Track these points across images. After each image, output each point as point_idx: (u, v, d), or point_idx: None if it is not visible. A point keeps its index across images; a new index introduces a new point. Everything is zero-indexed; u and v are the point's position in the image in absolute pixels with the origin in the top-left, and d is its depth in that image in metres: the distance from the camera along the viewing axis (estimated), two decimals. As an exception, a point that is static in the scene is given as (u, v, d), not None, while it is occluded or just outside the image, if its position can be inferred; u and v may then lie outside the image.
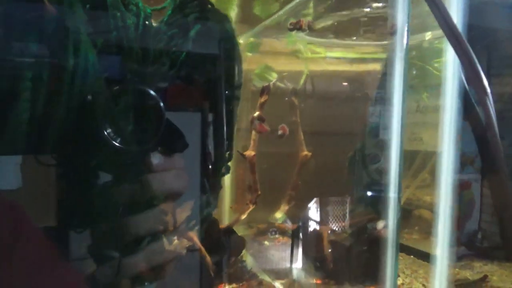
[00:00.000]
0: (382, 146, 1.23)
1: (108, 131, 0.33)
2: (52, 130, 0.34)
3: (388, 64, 1.42)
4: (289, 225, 1.44)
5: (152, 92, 0.35)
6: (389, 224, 0.89)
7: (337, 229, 1.37)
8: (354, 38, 1.61)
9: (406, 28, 0.92)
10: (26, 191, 0.39)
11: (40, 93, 0.34)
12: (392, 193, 0.91)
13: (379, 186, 1.22)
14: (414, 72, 1.69)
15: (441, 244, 0.92)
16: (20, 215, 0.36)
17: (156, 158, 0.35)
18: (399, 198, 0.90)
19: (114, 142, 0.33)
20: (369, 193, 1.31)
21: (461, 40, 0.51)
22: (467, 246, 1.48)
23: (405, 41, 0.93)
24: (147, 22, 0.43)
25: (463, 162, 1.45)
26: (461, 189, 1.48)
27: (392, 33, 0.93)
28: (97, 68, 0.37)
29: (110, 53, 0.39)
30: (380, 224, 1.15)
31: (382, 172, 1.21)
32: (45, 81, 0.34)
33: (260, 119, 1.26)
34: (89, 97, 0.34)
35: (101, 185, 0.36)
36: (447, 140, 0.94)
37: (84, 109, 0.34)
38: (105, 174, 0.36)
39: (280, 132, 1.33)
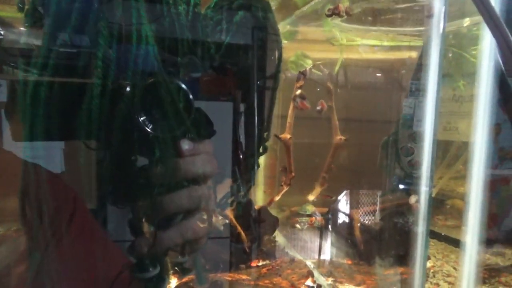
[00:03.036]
0: (416, 139, 1.24)
1: (142, 118, 0.37)
2: (99, 117, 0.38)
3: (423, 51, 1.41)
4: (318, 216, 1.48)
5: (182, 85, 0.38)
6: (420, 214, 0.92)
7: (367, 214, 1.40)
8: (390, 25, 1.60)
9: (443, 12, 0.89)
10: (69, 173, 0.43)
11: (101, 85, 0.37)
12: (423, 186, 0.92)
13: (412, 178, 1.23)
14: (451, 60, 1.66)
15: (471, 232, 0.93)
16: (74, 193, 0.43)
17: (185, 144, 0.38)
18: (430, 191, 0.91)
19: (147, 129, 0.37)
20: (401, 185, 1.31)
21: (499, 24, 0.45)
22: (503, 243, 1.45)
23: (441, 26, 0.89)
24: (196, 9, 0.46)
25: (502, 157, 1.39)
26: (500, 184, 1.43)
27: (429, 16, 0.91)
28: (155, 56, 0.40)
29: (161, 41, 0.42)
30: (412, 199, 1.16)
31: (415, 165, 1.22)
32: (107, 71, 0.38)
33: (302, 97, 1.30)
34: (128, 88, 0.38)
35: (139, 167, 0.39)
36: (481, 130, 0.92)
37: (124, 98, 0.37)
38: (142, 158, 0.39)
39: (319, 107, 1.37)
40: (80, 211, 0.43)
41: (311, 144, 1.61)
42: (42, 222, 0.40)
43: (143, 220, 0.40)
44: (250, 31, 0.54)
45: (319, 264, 1.32)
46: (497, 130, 1.29)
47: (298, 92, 1.30)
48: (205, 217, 0.41)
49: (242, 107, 0.56)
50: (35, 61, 0.37)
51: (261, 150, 0.67)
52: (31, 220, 0.40)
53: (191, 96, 0.38)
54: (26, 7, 0.42)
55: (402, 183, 1.30)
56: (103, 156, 0.40)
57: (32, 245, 0.41)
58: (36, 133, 0.38)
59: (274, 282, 1.14)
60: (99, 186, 0.43)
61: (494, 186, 1.34)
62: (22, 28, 0.44)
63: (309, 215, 1.55)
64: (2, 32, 0.42)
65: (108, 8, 0.39)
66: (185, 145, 0.38)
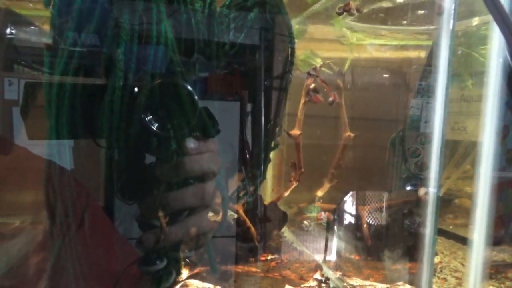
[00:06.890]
0: (423, 140, 1.24)
1: (148, 118, 0.38)
2: (114, 116, 0.40)
3: (432, 49, 1.41)
4: (323, 214, 1.50)
5: (187, 86, 0.39)
6: (427, 214, 0.94)
7: (374, 211, 1.41)
8: (402, 23, 1.61)
9: (453, 9, 0.90)
10: (79, 170, 0.44)
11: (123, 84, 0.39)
12: (431, 188, 0.94)
13: (418, 180, 1.23)
14: (460, 59, 1.66)
15: (478, 230, 0.94)
16: (85, 189, 0.45)
17: (191, 143, 0.39)
18: (438, 192, 0.93)
19: (153, 128, 0.38)
20: (407, 187, 1.31)
21: (508, 22, 0.45)
22: (510, 245, 1.43)
23: (451, 23, 0.91)
24: (212, 6, 0.48)
25: (510, 159, 1.37)
26: (508, 186, 1.39)
27: (439, 13, 0.92)
28: (164, 57, 0.42)
29: (177, 40, 0.43)
30: (421, 191, 1.17)
31: (423, 166, 1.24)
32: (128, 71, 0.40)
33: (315, 90, 1.31)
34: (136, 88, 0.39)
35: (147, 165, 0.41)
36: (489, 131, 0.93)
37: (133, 98, 0.39)
38: (150, 156, 0.40)
39: (330, 99, 1.38)
40: (92, 206, 0.45)
41: (319, 141, 1.62)
42: (64, 211, 0.42)
43: (151, 216, 0.41)
44: (265, 26, 0.56)
45: (327, 259, 1.34)
46: (505, 132, 1.29)
47: (312, 86, 1.31)
48: (210, 213, 0.42)
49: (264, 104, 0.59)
50: (48, 61, 0.40)
51: (272, 145, 0.70)
52: (54, 208, 0.42)
53: (195, 97, 0.40)
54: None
55: (408, 184, 1.30)
56: (113, 154, 0.42)
57: (56, 232, 0.42)
58: (58, 132, 0.40)
59: (283, 275, 1.16)
60: (108, 183, 0.44)
61: (502, 188, 1.34)
62: (34, 27, 0.45)
63: (323, 204, 1.57)
64: (14, 31, 0.43)
65: (119, 8, 0.41)
66: (191, 143, 0.39)
